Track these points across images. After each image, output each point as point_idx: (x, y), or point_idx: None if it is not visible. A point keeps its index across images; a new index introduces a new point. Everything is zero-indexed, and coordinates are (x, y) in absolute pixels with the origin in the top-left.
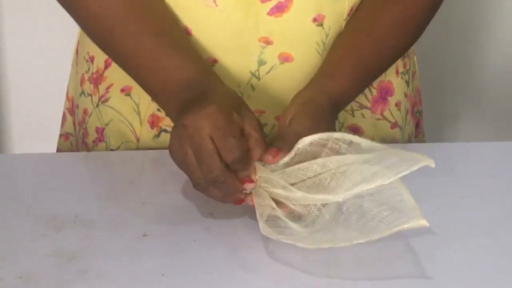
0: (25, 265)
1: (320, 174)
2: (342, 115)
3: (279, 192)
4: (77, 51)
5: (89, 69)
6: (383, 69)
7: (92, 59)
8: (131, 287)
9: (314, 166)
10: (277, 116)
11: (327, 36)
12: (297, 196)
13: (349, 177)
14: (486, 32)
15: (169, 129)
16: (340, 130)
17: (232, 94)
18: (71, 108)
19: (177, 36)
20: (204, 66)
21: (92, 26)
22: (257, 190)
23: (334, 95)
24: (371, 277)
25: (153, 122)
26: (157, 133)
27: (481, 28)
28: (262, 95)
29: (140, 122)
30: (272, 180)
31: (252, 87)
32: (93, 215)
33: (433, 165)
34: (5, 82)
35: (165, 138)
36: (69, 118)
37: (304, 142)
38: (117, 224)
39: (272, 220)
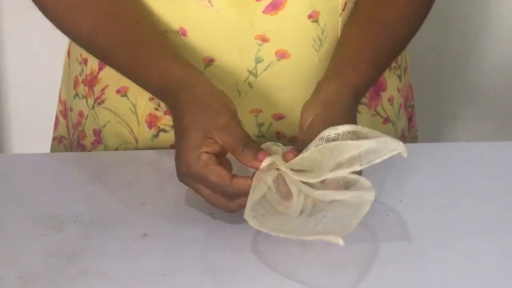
0: (25, 265)
1: (319, 161)
2: None
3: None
4: (68, 53)
5: (82, 71)
6: (396, 55)
7: (85, 61)
8: (131, 287)
9: (314, 154)
10: (274, 114)
11: (323, 32)
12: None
13: (333, 160)
14: (485, 32)
15: (168, 128)
16: None
17: (207, 100)
18: (64, 111)
19: (150, 41)
20: (176, 68)
21: (75, 39)
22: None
23: (358, 87)
24: (370, 277)
25: (151, 121)
26: (155, 133)
27: (480, 28)
28: (260, 93)
29: (138, 122)
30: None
31: (250, 85)
32: (93, 215)
33: (405, 155)
34: (5, 82)
35: (164, 137)
36: (62, 121)
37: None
38: (117, 224)
39: (260, 205)
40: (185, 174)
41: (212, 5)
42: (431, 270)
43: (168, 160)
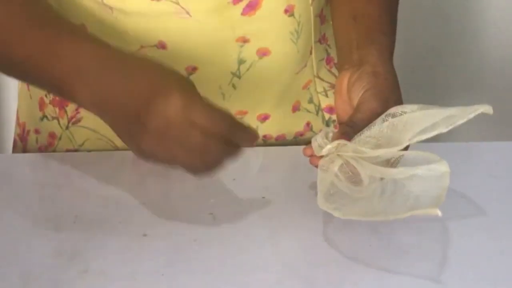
0: (25, 265)
1: (390, 136)
2: (316, 98)
3: (350, 154)
4: None
5: (49, 92)
6: (397, 15)
7: None
8: (131, 287)
9: (384, 129)
10: (259, 115)
11: (299, 24)
12: (366, 155)
13: (410, 129)
14: (486, 32)
15: None
16: (317, 113)
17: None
18: (22, 134)
19: (64, 25)
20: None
21: None
22: (325, 158)
23: (391, 50)
24: (370, 277)
25: None
26: None
27: (481, 28)
28: (244, 93)
29: None
30: (344, 145)
31: (234, 87)
32: (93, 215)
33: (491, 112)
34: (5, 82)
35: None
36: (19, 144)
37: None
38: (117, 224)
39: (336, 195)
40: (160, 137)
41: (190, 16)
42: (431, 270)
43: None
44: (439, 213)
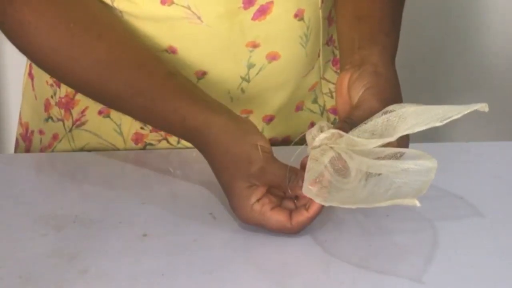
0: (25, 265)
1: (384, 131)
2: (321, 99)
3: (343, 147)
4: (30, 75)
5: (55, 94)
6: (401, 17)
7: (58, 83)
8: (131, 287)
9: (379, 124)
10: (265, 116)
11: (308, 28)
12: (358, 148)
13: (404, 121)
14: (486, 32)
15: (154, 142)
16: (322, 114)
17: (233, 134)
18: (25, 134)
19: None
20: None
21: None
22: (317, 149)
23: (393, 52)
24: (370, 277)
25: (137, 139)
26: (142, 147)
27: (481, 28)
28: (251, 96)
29: (124, 141)
30: (339, 137)
31: (242, 90)
32: (93, 215)
33: (486, 109)
34: (5, 82)
35: (151, 150)
36: (21, 144)
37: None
38: (117, 224)
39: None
40: (248, 224)
41: (202, 21)
42: (431, 270)
43: (167, 161)
44: (418, 203)
